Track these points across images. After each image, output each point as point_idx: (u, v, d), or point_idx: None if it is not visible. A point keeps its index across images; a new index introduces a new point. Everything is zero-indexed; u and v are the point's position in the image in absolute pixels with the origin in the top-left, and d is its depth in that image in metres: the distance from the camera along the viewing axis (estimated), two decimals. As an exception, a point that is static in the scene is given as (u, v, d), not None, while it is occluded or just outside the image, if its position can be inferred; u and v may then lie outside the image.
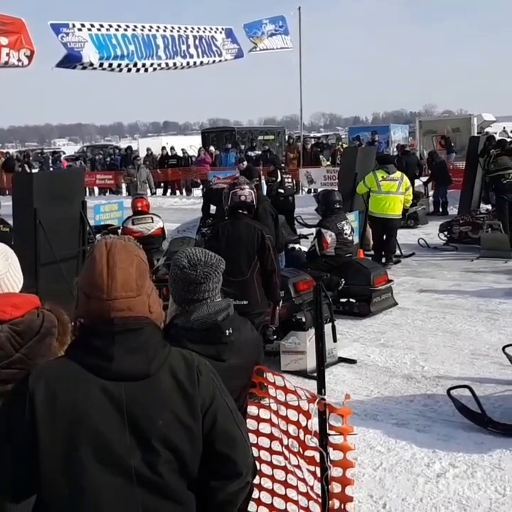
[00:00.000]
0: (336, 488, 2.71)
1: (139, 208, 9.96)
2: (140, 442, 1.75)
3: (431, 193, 17.25)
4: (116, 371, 1.76)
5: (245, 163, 12.62)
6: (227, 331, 2.59)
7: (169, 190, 26.00)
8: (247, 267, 5.55)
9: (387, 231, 10.70)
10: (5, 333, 2.34)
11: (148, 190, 19.17)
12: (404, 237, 12.94)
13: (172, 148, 27.15)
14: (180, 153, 26.69)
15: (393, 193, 10.54)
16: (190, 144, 33.07)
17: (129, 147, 31.37)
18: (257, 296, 5.58)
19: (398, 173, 10.80)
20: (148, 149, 28.63)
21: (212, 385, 1.90)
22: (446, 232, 12.61)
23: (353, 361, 6.65)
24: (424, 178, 17.95)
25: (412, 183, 16.91)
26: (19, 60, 11.05)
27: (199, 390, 1.85)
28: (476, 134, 21.07)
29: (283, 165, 20.74)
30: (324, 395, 2.75)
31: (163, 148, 27.75)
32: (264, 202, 7.51)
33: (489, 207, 13.64)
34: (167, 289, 6.06)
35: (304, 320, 6.51)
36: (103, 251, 1.85)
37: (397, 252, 11.64)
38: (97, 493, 1.72)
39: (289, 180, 12.02)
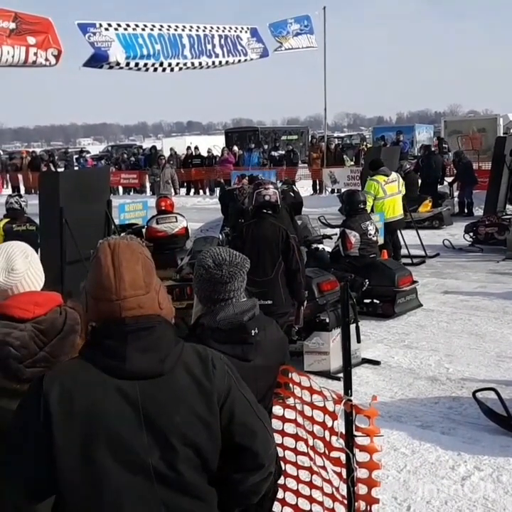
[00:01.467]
0: (361, 489, 2.70)
1: (163, 208, 10.00)
2: (158, 440, 1.75)
3: (456, 193, 17.09)
4: (131, 371, 1.76)
5: (245, 180, 12.37)
6: (252, 331, 2.59)
7: (193, 190, 26.10)
8: (271, 267, 5.54)
9: (392, 232, 10.52)
10: (28, 332, 2.35)
11: (172, 190, 19.21)
12: (429, 237, 12.84)
13: (196, 148, 27.23)
14: (204, 153, 26.76)
15: (395, 194, 10.42)
16: (213, 144, 33.12)
17: (153, 147, 31.53)
18: (281, 296, 5.58)
19: (394, 174, 10.68)
20: (171, 149, 28.77)
21: (228, 378, 1.88)
22: (471, 233, 12.49)
23: (376, 362, 6.62)
24: (449, 179, 17.80)
25: (438, 183, 16.87)
26: (47, 59, 11.16)
27: (215, 383, 1.84)
28: (502, 134, 20.84)
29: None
30: (350, 395, 2.74)
31: (188, 148, 27.83)
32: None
33: (515, 208, 13.48)
34: (191, 288, 6.07)
35: (327, 320, 6.50)
36: (107, 252, 1.84)
37: (422, 253, 11.56)
38: (117, 493, 1.72)
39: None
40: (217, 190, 21.77)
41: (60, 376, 1.78)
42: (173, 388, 1.79)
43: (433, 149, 20.55)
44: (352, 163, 24.55)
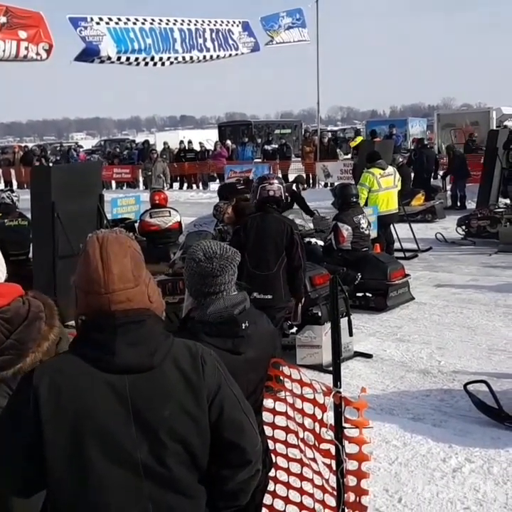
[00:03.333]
0: (351, 481, 2.71)
1: (157, 202, 10.00)
2: (146, 435, 1.75)
3: (449, 187, 17.12)
4: (120, 364, 1.75)
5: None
6: (243, 325, 2.60)
7: (186, 184, 26.06)
8: (274, 262, 5.54)
9: (386, 226, 10.53)
10: None
11: (164, 184, 19.17)
12: (422, 231, 12.87)
13: (189, 142, 27.17)
14: (197, 147, 26.72)
15: (390, 188, 10.41)
16: (207, 138, 33.07)
17: (146, 141, 31.47)
18: (281, 291, 5.59)
19: (390, 167, 10.66)
20: (165, 143, 28.69)
21: (218, 374, 1.89)
22: (464, 227, 12.52)
23: (369, 356, 6.64)
24: (441, 172, 17.83)
25: (431, 177, 16.89)
26: (38, 53, 11.12)
27: (204, 379, 1.84)
28: (495, 128, 20.88)
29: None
30: (340, 388, 2.75)
31: (181, 142, 27.77)
32: (247, 210, 7.51)
33: (508, 201, 13.52)
34: (184, 283, 6.09)
35: (320, 314, 6.51)
36: (96, 246, 1.83)
37: (415, 246, 11.59)
38: (104, 488, 1.72)
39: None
40: (216, 184, 21.80)
41: (49, 370, 1.78)
42: (162, 382, 1.79)
43: (426, 143, 20.57)
44: (345, 157, 24.57)
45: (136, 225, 10.14)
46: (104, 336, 1.77)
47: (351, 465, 2.73)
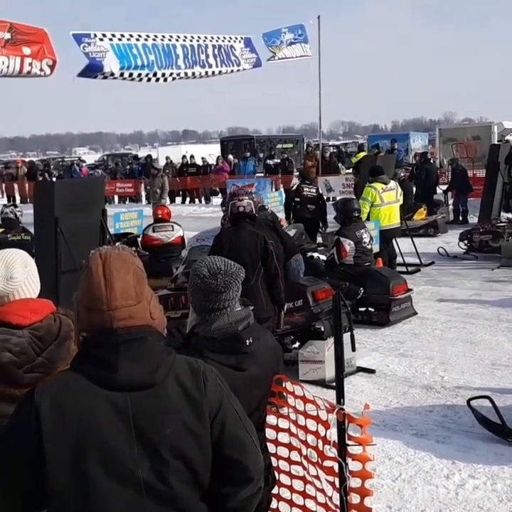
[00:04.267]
0: (354, 499, 2.70)
1: (160, 216, 10.02)
2: (148, 453, 1.74)
3: (451, 201, 17.14)
4: (122, 382, 1.75)
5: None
6: (247, 341, 2.59)
7: (188, 199, 26.12)
8: (251, 273, 5.61)
9: (388, 240, 10.54)
10: (26, 338, 2.41)
11: (160, 199, 19.14)
12: (424, 245, 12.87)
13: (192, 157, 27.27)
14: (199, 162, 26.80)
15: (393, 203, 10.42)
16: (209, 153, 33.20)
17: (149, 156, 31.55)
18: (262, 302, 5.68)
19: (393, 182, 10.69)
20: (167, 158, 28.80)
21: (219, 391, 1.88)
22: (466, 241, 12.52)
23: (371, 371, 6.63)
24: (444, 187, 17.86)
25: (434, 192, 16.93)
26: (41, 69, 11.18)
27: (206, 396, 1.83)
28: (496, 142, 20.93)
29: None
30: (343, 404, 2.75)
31: (184, 156, 27.88)
32: (259, 212, 7.61)
33: (510, 215, 13.53)
34: (186, 297, 6.11)
35: (322, 329, 6.51)
36: (98, 262, 1.83)
37: (417, 261, 11.59)
38: (107, 506, 1.71)
39: (311, 190, 11.93)
40: (218, 198, 21.76)
41: (50, 387, 1.77)
42: (164, 400, 1.79)
43: (429, 157, 20.62)
44: (348, 171, 24.62)
45: (139, 239, 10.16)
46: (105, 353, 1.77)
47: (354, 482, 2.72)
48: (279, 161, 26.43)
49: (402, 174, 14.99)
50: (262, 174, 26.35)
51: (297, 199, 11.43)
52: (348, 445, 2.71)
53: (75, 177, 27.47)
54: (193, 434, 1.79)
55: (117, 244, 8.04)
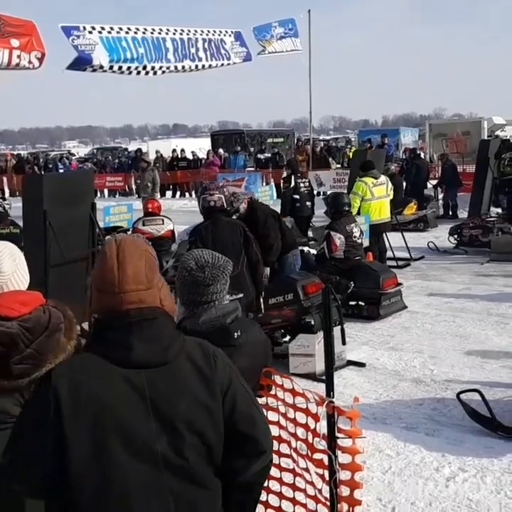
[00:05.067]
0: (344, 491, 2.70)
1: (150, 210, 9.99)
2: (165, 428, 1.79)
3: (441, 196, 17.20)
4: (136, 360, 1.80)
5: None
6: (235, 334, 2.59)
7: (178, 193, 26.06)
8: (236, 262, 5.67)
9: (379, 235, 10.55)
10: (15, 330, 2.41)
11: (153, 192, 19.09)
12: (414, 240, 12.90)
13: (182, 151, 27.20)
14: (190, 156, 26.74)
15: (383, 197, 10.44)
16: (199, 147, 33.13)
17: (139, 149, 31.44)
18: (248, 288, 5.86)
19: (383, 177, 10.70)
20: (157, 151, 28.71)
21: (229, 369, 1.97)
22: (456, 236, 12.57)
23: (362, 364, 6.63)
24: (434, 181, 17.91)
25: (424, 187, 16.97)
26: (30, 62, 11.11)
27: (217, 373, 1.91)
28: (486, 138, 21.00)
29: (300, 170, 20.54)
30: (333, 397, 2.74)
31: (174, 150, 27.81)
32: (261, 207, 7.68)
33: (499, 210, 13.58)
34: (176, 291, 6.20)
35: (312, 323, 6.50)
36: (113, 247, 1.91)
37: (407, 255, 11.62)
38: (125, 481, 1.75)
39: (306, 184, 11.94)
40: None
41: (67, 369, 1.84)
42: (177, 377, 1.85)
43: (418, 152, 20.66)
44: (338, 166, 24.64)
45: (129, 233, 10.11)
46: (119, 334, 1.83)
47: (344, 475, 2.71)
48: (269, 155, 26.40)
49: (393, 168, 15.00)
50: (252, 169, 26.32)
51: (296, 196, 11.40)
52: (338, 438, 2.71)
53: (62, 171, 27.29)
54: (206, 410, 1.86)
55: (107, 237, 8.00)
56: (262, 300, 6.28)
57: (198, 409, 1.85)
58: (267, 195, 17.42)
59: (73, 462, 1.72)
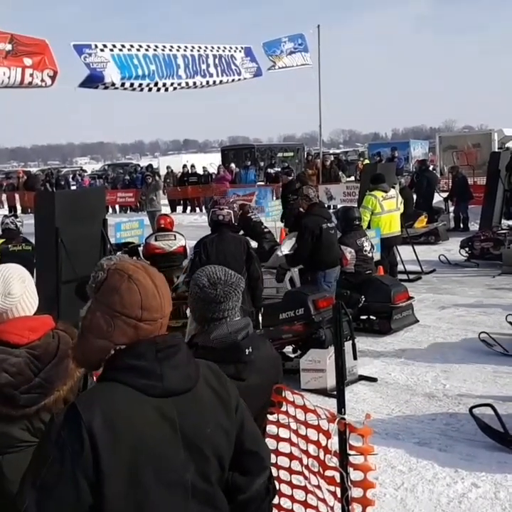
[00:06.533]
0: (356, 508, 2.68)
1: (163, 225, 10.01)
2: (193, 455, 1.79)
3: (451, 208, 17.15)
4: (167, 389, 1.78)
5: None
6: (246, 350, 2.59)
7: (189, 208, 26.15)
8: None
9: (389, 248, 10.52)
10: (24, 358, 2.40)
11: (159, 206, 19.12)
12: (425, 253, 12.87)
13: (192, 166, 27.33)
14: (200, 171, 26.86)
15: (393, 211, 10.40)
16: (210, 162, 33.26)
17: (150, 165, 31.67)
18: (247, 304, 5.85)
19: (393, 190, 10.67)
20: (168, 167, 28.88)
21: (236, 389, 1.99)
22: (467, 249, 12.52)
23: (373, 379, 6.61)
24: (444, 194, 17.87)
25: (431, 199, 16.93)
26: (42, 80, 11.21)
27: (230, 394, 1.94)
28: (496, 150, 20.96)
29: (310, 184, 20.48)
30: (344, 414, 2.73)
31: (184, 166, 27.95)
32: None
33: (511, 222, 13.53)
34: (187, 306, 6.23)
35: (323, 337, 6.49)
36: (144, 273, 1.83)
37: (418, 268, 11.58)
38: None
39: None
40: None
41: (97, 402, 1.73)
42: (201, 401, 1.85)
43: (428, 164, 20.64)
44: (349, 179, 24.67)
45: (140, 248, 10.15)
46: (147, 362, 1.78)
47: (356, 492, 2.70)
48: (279, 169, 26.45)
49: (403, 181, 14.99)
50: (262, 183, 26.39)
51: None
52: (350, 455, 2.70)
53: (74, 187, 27.49)
54: (224, 432, 1.88)
55: (118, 253, 8.03)
56: (260, 316, 6.34)
57: (219, 432, 1.86)
58: (277, 209, 17.43)
59: (109, 497, 1.67)
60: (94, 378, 1.94)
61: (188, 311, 6.61)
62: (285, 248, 8.81)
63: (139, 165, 40.30)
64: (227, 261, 5.71)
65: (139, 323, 1.80)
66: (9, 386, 2.37)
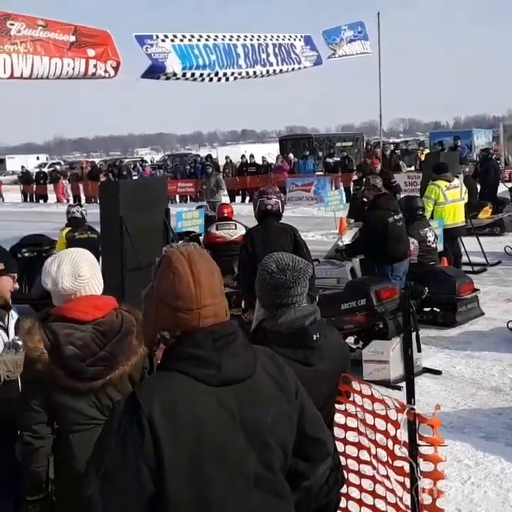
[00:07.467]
0: (426, 500, 2.64)
1: (225, 214, 10.09)
2: (254, 443, 1.77)
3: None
4: (226, 377, 1.77)
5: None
6: (314, 336, 2.57)
7: (248, 198, 26.24)
8: None
9: (453, 239, 10.27)
10: (89, 333, 2.53)
11: (221, 197, 19.26)
12: (490, 245, 12.54)
13: (251, 156, 27.38)
14: (259, 161, 26.89)
15: (457, 201, 10.13)
16: (268, 152, 33.28)
17: (209, 155, 31.87)
18: (313, 290, 5.70)
19: (457, 180, 10.38)
20: (226, 157, 29.02)
21: (294, 374, 1.95)
22: (534, 240, 12.14)
23: (438, 372, 6.49)
24: (509, 184, 17.36)
25: (496, 189, 16.47)
26: (106, 71, 11.38)
27: (288, 380, 1.90)
28: None
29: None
30: (413, 404, 2.69)
31: (243, 156, 28.04)
32: None
33: None
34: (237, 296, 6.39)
35: (386, 329, 6.40)
36: (184, 261, 1.82)
37: (483, 260, 11.30)
38: (223, 504, 1.72)
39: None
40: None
41: (156, 391, 1.74)
42: (260, 389, 1.83)
43: (491, 153, 20.07)
44: (409, 169, 24.26)
45: (201, 238, 10.25)
46: (205, 351, 1.77)
47: (425, 483, 2.66)
48: (338, 159, 26.26)
49: (467, 170, 14.63)
50: (321, 173, 26.24)
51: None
52: (419, 445, 2.65)
53: (136, 177, 27.93)
54: (287, 418, 1.86)
55: (180, 242, 8.11)
56: (315, 304, 6.28)
57: (281, 419, 1.83)
58: (336, 199, 17.32)
59: (169, 488, 1.67)
60: (159, 357, 1.95)
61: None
62: (346, 238, 8.74)
63: (198, 155, 40.62)
64: (273, 250, 5.64)
65: (176, 312, 1.79)
66: (76, 358, 2.47)
